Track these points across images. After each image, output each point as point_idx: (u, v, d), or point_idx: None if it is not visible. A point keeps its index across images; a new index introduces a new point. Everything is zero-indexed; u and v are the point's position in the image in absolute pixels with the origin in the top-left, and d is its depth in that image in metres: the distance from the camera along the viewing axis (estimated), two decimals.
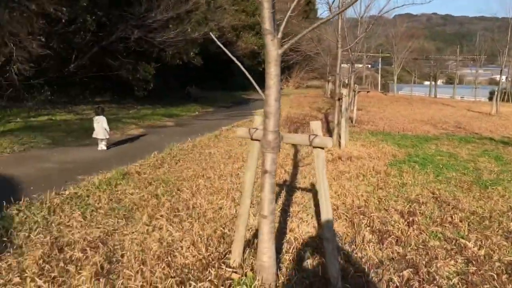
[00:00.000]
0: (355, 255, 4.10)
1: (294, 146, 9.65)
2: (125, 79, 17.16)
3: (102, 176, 6.77)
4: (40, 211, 5.02)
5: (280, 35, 3.00)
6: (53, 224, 4.64)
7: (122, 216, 5.05)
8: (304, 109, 21.98)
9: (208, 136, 11.58)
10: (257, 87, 3.33)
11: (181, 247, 4.12)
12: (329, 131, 13.25)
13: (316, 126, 3.11)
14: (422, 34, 72.39)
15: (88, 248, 4.01)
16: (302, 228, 4.75)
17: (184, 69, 25.71)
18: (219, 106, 24.08)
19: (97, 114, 9.69)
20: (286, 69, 53.45)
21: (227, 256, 3.81)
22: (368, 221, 5.08)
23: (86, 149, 9.73)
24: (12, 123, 11.73)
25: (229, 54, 3.29)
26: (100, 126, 9.46)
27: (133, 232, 4.52)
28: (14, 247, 4.04)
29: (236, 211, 5.25)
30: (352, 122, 14.82)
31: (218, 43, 3.32)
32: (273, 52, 2.97)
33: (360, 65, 49.75)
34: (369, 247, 4.27)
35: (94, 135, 9.55)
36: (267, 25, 2.92)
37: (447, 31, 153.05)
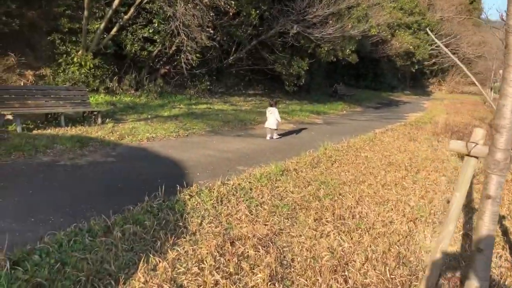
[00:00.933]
0: None
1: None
2: (277, 74, 17.42)
3: (262, 170, 6.76)
4: (209, 199, 5.12)
5: None
6: (222, 215, 4.67)
7: (286, 215, 4.89)
8: (464, 117, 19.89)
9: (362, 138, 11.02)
10: (486, 95, 2.79)
11: (354, 261, 3.78)
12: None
13: None
14: None
15: (259, 246, 3.90)
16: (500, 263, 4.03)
17: (332, 66, 25.39)
18: (367, 106, 23.17)
19: (271, 106, 10.41)
20: (440, 71, 49.70)
21: (413, 283, 3.36)
22: None
23: (241, 139, 9.99)
24: (176, 109, 12.66)
25: (452, 57, 2.79)
26: (273, 116, 10.15)
27: (300, 235, 4.31)
28: (189, 233, 4.12)
29: (408, 228, 4.73)
30: None
31: (439, 43, 2.84)
32: None
33: None
34: None
35: (266, 125, 10.34)
36: None
37: None
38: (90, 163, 6.72)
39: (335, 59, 17.73)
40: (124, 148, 7.96)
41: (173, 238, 3.93)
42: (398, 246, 4.19)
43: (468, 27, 45.65)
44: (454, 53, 44.64)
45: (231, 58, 15.97)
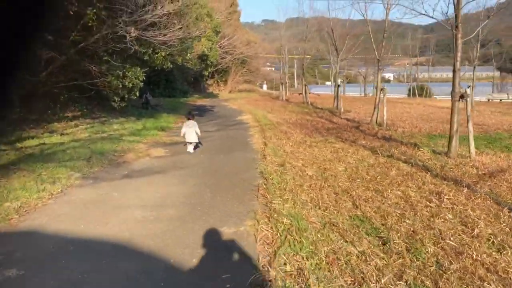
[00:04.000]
0: None
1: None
2: (100, 89, 14.12)
3: (265, 233, 4.62)
4: None
5: None
6: None
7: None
8: (287, 113, 20.42)
9: (269, 152, 9.51)
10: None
11: None
12: (345, 140, 11.84)
13: None
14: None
15: None
16: None
17: None
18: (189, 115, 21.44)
19: (189, 119, 10.45)
20: (215, 72, 50.98)
21: None
22: None
23: (145, 183, 7.29)
24: (3, 153, 8.61)
25: None
26: (192, 130, 10.03)
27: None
28: None
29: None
30: (383, 125, 13.60)
31: None
32: None
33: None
34: None
35: (187, 140, 10.11)
36: None
37: None
38: None
39: (171, 66, 15.52)
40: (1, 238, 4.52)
41: None
42: None
43: (237, 29, 48.42)
44: (231, 54, 46.91)
45: (44, 73, 12.05)
